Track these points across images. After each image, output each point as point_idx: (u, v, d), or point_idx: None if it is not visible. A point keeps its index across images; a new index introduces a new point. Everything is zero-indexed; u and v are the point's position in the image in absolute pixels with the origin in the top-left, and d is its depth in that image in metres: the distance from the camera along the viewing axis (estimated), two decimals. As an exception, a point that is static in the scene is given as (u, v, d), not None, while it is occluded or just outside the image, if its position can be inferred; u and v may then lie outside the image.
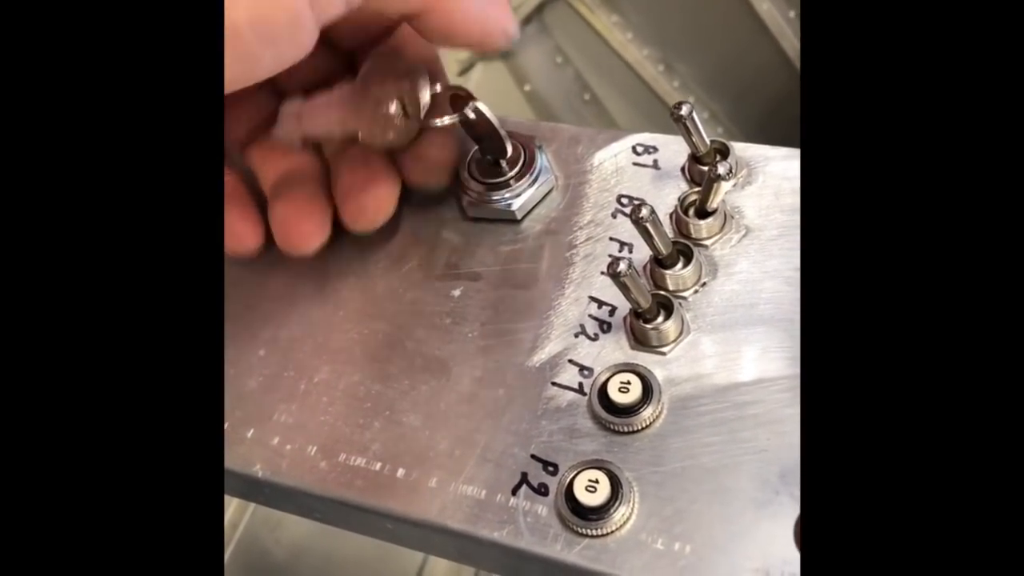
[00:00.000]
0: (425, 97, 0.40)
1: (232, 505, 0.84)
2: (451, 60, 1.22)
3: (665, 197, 0.41)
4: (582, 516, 0.34)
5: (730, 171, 0.36)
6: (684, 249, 0.38)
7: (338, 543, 0.87)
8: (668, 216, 0.40)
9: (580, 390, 0.37)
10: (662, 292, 0.38)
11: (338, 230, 0.44)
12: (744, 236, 0.39)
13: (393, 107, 0.39)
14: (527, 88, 1.24)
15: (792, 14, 1.05)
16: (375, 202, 0.41)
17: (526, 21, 1.18)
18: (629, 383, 0.36)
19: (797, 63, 1.08)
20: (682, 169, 0.42)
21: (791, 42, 1.06)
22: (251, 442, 0.39)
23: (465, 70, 1.23)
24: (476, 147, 0.43)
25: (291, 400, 0.40)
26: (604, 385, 0.36)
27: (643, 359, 0.37)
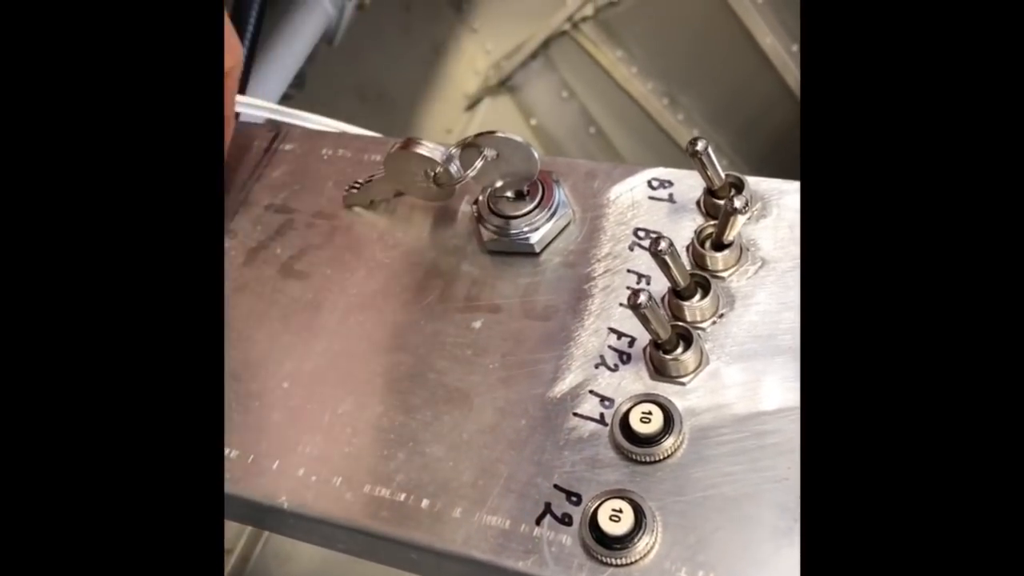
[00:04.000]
0: (455, 171, 0.43)
1: (243, 538, 0.84)
2: (458, 95, 1.24)
3: (681, 230, 0.42)
4: (606, 545, 0.34)
5: (746, 204, 0.37)
6: (702, 281, 0.39)
7: (348, 577, 0.87)
8: (685, 248, 0.41)
9: (601, 420, 0.38)
10: (681, 323, 0.38)
11: (361, 266, 0.45)
12: (760, 268, 0.40)
13: (422, 179, 0.44)
14: (533, 122, 1.25)
15: (795, 48, 1.07)
16: None
17: (532, 56, 1.20)
18: (650, 413, 0.36)
19: (800, 96, 1.09)
20: (697, 203, 0.43)
21: (794, 75, 1.08)
22: (276, 474, 0.39)
23: (472, 105, 1.25)
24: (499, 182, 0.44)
25: (315, 432, 0.40)
26: (626, 415, 0.37)
27: (663, 389, 0.38)
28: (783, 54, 1.07)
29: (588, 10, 1.13)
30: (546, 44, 1.18)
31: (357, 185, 0.47)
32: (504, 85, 1.23)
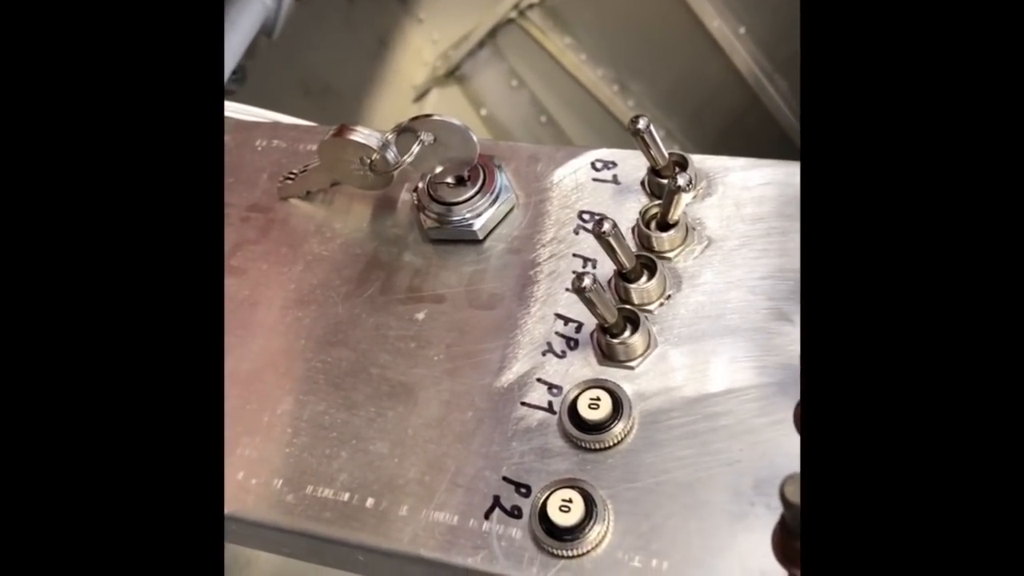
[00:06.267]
0: (392, 158, 0.41)
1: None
2: (407, 87, 1.23)
3: (626, 211, 0.41)
4: (557, 537, 0.33)
5: (690, 182, 0.36)
6: (648, 262, 0.38)
7: (309, 580, 0.85)
8: (630, 230, 0.40)
9: (550, 409, 0.37)
10: (628, 306, 0.38)
11: (299, 260, 0.43)
12: (707, 247, 0.39)
13: (358, 167, 0.42)
14: (483, 112, 1.24)
15: (742, 30, 1.06)
16: None
17: (479, 45, 1.19)
18: (599, 399, 0.35)
19: (749, 79, 1.09)
20: (642, 183, 0.42)
21: (742, 58, 1.08)
22: (214, 478, 0.38)
23: (420, 96, 1.23)
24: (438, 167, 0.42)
25: (254, 433, 0.39)
26: (574, 402, 0.36)
27: (612, 374, 0.37)
28: (731, 37, 1.07)
29: (534, -3, 1.11)
30: (493, 33, 1.17)
31: (292, 176, 0.46)
32: (452, 75, 1.22)
